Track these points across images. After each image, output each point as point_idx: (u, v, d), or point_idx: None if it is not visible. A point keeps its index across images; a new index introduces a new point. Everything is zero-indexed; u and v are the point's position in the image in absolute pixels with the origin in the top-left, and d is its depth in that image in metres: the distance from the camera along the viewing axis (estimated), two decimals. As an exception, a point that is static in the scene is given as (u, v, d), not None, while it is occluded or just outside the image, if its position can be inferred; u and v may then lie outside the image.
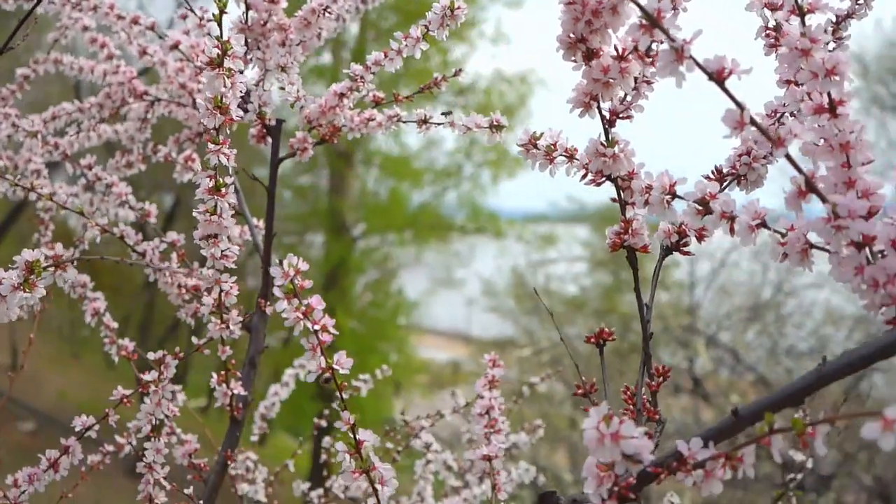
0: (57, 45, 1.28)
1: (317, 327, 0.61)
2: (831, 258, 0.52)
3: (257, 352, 0.99)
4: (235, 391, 0.95)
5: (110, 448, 1.12)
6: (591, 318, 8.25)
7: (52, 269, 0.66)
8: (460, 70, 0.98)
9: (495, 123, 0.82)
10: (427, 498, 1.25)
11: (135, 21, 1.09)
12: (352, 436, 0.63)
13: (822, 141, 0.54)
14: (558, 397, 7.56)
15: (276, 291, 0.60)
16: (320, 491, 1.36)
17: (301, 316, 0.60)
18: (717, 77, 0.50)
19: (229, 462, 0.97)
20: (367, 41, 10.31)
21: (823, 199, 0.50)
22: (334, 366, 0.62)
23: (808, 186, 0.50)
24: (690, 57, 0.49)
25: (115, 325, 1.08)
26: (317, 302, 0.61)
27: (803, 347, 6.97)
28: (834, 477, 5.60)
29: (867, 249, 0.50)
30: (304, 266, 0.60)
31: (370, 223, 11.24)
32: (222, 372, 0.95)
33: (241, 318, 0.90)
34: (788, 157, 0.50)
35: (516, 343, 8.76)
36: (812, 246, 0.54)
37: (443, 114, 0.91)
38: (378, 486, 0.63)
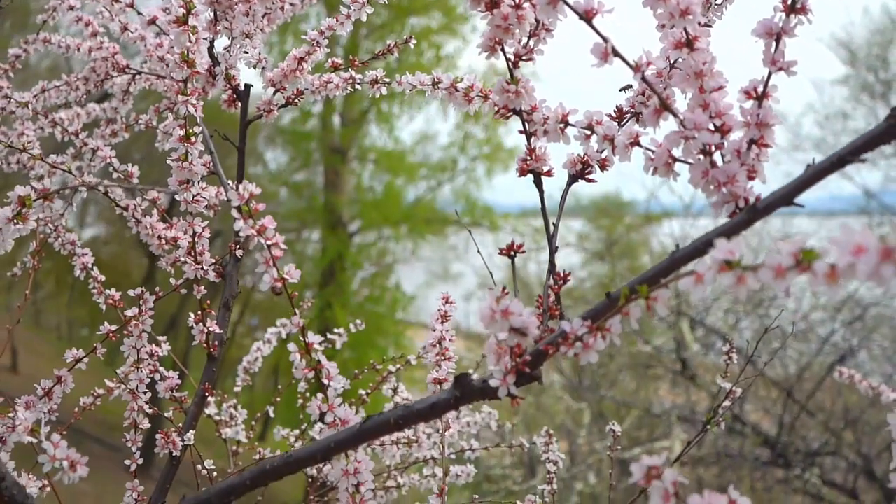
0: (45, 25, 1.38)
1: (269, 243, 0.71)
2: (690, 168, 0.63)
3: (231, 295, 1.09)
4: (211, 329, 1.06)
5: (100, 391, 1.22)
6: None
7: (40, 200, 0.76)
8: (411, 37, 1.08)
9: (436, 81, 0.92)
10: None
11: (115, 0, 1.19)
12: (302, 338, 0.74)
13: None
14: (555, 389, 7.68)
15: (240, 228, 0.71)
16: (296, 432, 1.46)
17: (255, 233, 0.71)
18: (587, 16, 0.60)
19: (207, 394, 1.07)
20: (360, 37, 10.40)
21: (676, 115, 0.61)
22: (285, 275, 0.72)
23: (663, 105, 0.61)
24: (563, 0, 0.60)
25: (102, 277, 1.18)
26: (269, 221, 0.72)
27: (790, 329, 7.09)
28: (819, 454, 5.72)
29: (711, 157, 0.61)
30: (257, 190, 0.71)
31: (366, 219, 11.33)
32: (199, 312, 1.05)
33: (213, 261, 1.01)
34: (644, 78, 0.60)
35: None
36: (675, 159, 0.64)
37: (388, 82, 1.00)
38: (326, 381, 0.73)
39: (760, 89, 0.62)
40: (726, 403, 1.13)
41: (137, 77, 1.28)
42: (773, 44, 0.62)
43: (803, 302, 7.58)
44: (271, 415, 1.51)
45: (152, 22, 1.14)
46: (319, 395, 0.74)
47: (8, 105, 1.25)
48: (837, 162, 0.55)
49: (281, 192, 10.99)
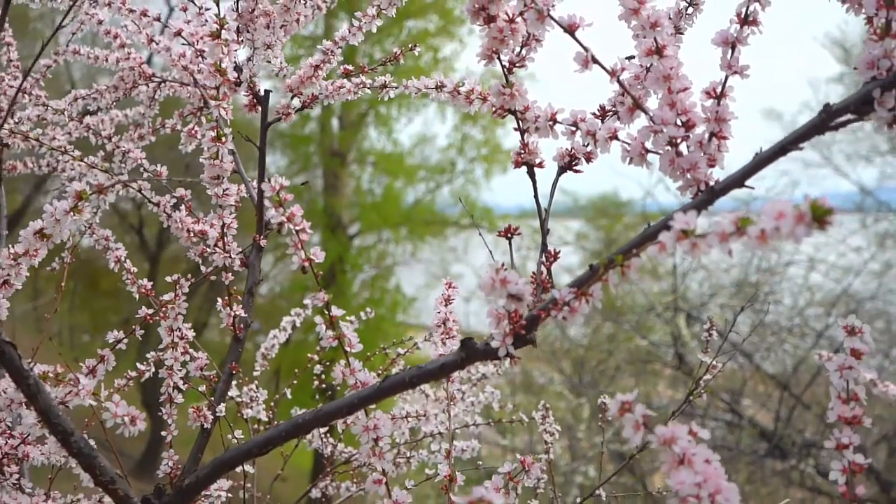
0: (74, 37, 1.48)
1: (297, 228, 0.82)
2: (660, 158, 0.74)
3: (254, 282, 1.20)
4: (237, 313, 1.16)
5: (133, 374, 1.33)
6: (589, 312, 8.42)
7: (95, 194, 0.87)
8: (415, 45, 1.19)
9: (440, 84, 1.03)
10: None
11: (143, 14, 1.30)
12: (326, 312, 0.84)
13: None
14: (554, 386, 7.78)
15: (271, 215, 0.81)
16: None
17: (286, 220, 0.81)
18: (570, 29, 0.71)
19: (234, 372, 1.18)
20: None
21: (646, 113, 0.71)
22: (311, 256, 0.83)
23: (635, 104, 0.72)
24: (549, 16, 0.70)
25: (134, 269, 1.29)
26: (297, 210, 0.82)
27: (786, 324, 7.20)
28: (815, 445, 5.82)
29: (677, 148, 0.71)
30: (286, 182, 0.81)
31: (365, 221, 11.44)
32: (226, 297, 1.16)
33: (240, 250, 1.11)
34: (619, 82, 0.71)
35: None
36: (647, 150, 0.75)
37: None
38: (347, 349, 0.84)
39: (719, 90, 0.72)
40: (707, 376, 1.23)
41: (162, 85, 1.39)
42: (730, 51, 0.72)
43: (799, 298, 7.69)
44: (289, 396, 1.62)
45: (178, 34, 1.24)
46: (342, 361, 0.84)
47: (44, 112, 1.35)
48: (780, 150, 0.65)
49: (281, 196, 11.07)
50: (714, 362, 1.27)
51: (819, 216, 0.48)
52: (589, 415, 6.58)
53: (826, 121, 0.65)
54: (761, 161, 0.66)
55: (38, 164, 1.57)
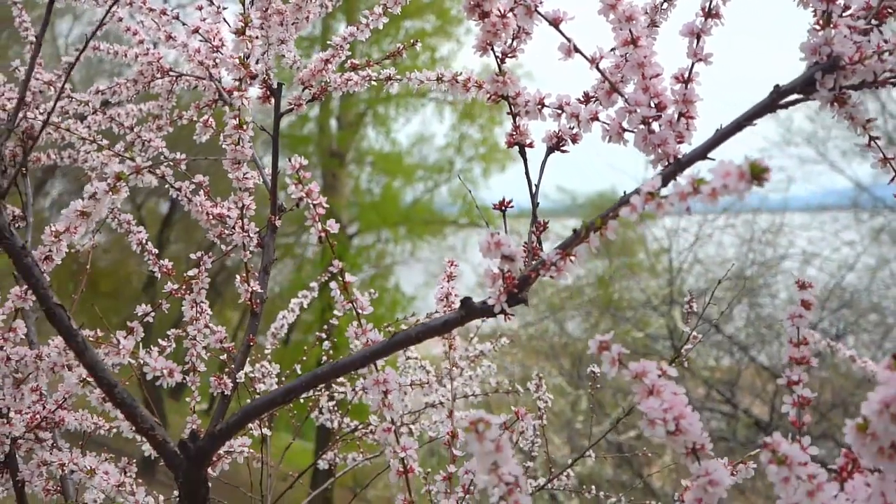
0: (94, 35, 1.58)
1: (315, 202, 0.92)
2: (635, 135, 0.84)
3: (269, 261, 1.30)
4: (254, 289, 1.26)
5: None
6: (588, 306, 8.56)
7: (133, 175, 0.96)
8: (416, 41, 1.29)
9: (440, 76, 1.12)
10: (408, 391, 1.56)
11: (163, 12, 1.39)
12: (341, 278, 0.94)
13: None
14: (557, 387, 7.89)
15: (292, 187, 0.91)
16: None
17: (305, 195, 0.91)
18: (554, 23, 0.81)
19: (251, 344, 1.28)
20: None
21: (622, 96, 0.81)
22: (327, 227, 0.92)
23: (612, 88, 0.82)
24: (536, 11, 0.80)
25: (156, 250, 1.39)
26: (314, 186, 0.92)
27: (781, 318, 7.31)
28: (809, 435, 5.91)
29: (650, 126, 0.81)
30: (305, 162, 0.91)
31: (364, 221, 11.53)
32: (244, 274, 1.25)
33: (258, 230, 1.21)
34: (598, 69, 0.81)
35: (514, 334, 9.02)
36: (623, 129, 0.85)
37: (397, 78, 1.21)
38: (360, 311, 0.94)
39: (686, 75, 0.82)
40: (688, 346, 1.33)
41: (179, 79, 1.49)
42: (695, 41, 0.82)
43: (794, 292, 7.81)
44: (299, 372, 1.71)
45: (196, 31, 1.34)
46: (354, 322, 0.94)
47: (69, 104, 1.45)
48: (736, 126, 0.75)
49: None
50: (695, 333, 1.36)
51: (756, 174, 0.58)
52: (587, 407, 6.68)
53: (776, 100, 0.75)
54: (721, 136, 0.76)
55: (60, 155, 1.67)
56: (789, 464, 0.61)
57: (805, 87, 0.74)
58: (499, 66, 0.90)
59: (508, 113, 0.93)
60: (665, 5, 0.98)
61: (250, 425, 1.66)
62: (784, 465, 0.61)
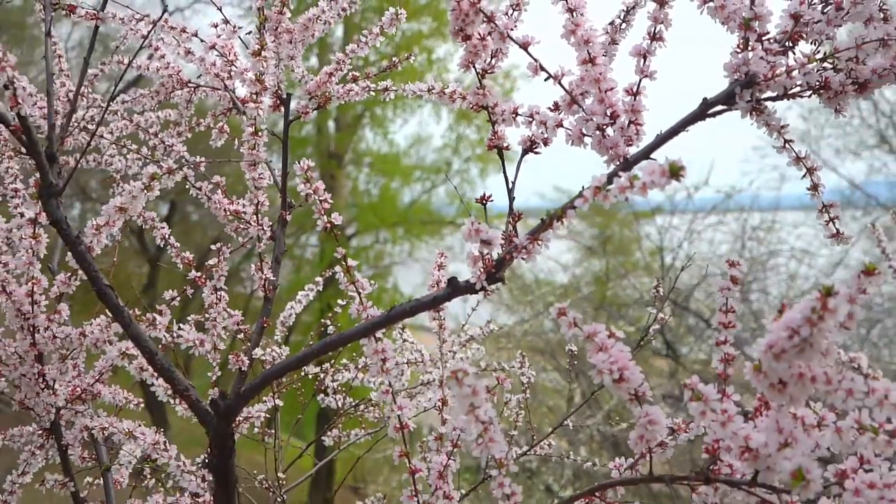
0: (117, 49, 1.74)
1: (321, 199, 1.07)
2: (592, 140, 1.00)
3: (280, 252, 1.46)
4: (267, 276, 1.42)
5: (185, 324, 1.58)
6: (584, 304, 8.71)
7: (165, 175, 1.12)
8: (411, 54, 1.45)
9: (430, 88, 1.28)
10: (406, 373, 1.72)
11: (183, 30, 1.55)
12: (344, 263, 1.10)
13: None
14: (556, 386, 8.05)
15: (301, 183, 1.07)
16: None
17: (312, 192, 1.07)
18: (523, 46, 0.97)
19: (265, 326, 1.43)
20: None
21: (580, 106, 0.97)
22: (332, 220, 1.08)
23: (572, 100, 0.98)
24: (509, 36, 0.96)
25: (178, 244, 1.54)
26: (321, 184, 1.08)
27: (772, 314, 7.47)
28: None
29: (604, 132, 0.97)
30: (312, 164, 1.07)
31: (362, 222, 11.68)
32: (258, 262, 1.41)
33: (271, 223, 1.37)
34: (560, 84, 0.97)
35: (513, 334, 9.13)
36: (583, 134, 1.01)
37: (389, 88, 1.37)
38: (360, 291, 1.10)
39: (635, 89, 0.98)
40: (655, 327, 1.49)
41: (197, 90, 1.64)
42: (642, 60, 0.98)
43: (784, 287, 7.99)
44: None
45: (212, 47, 1.50)
46: (357, 300, 1.10)
47: (98, 113, 1.61)
48: (671, 133, 0.91)
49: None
50: (662, 314, 1.52)
51: (674, 172, 0.74)
52: (580, 398, 6.83)
53: (704, 109, 0.91)
54: (660, 140, 0.92)
55: (86, 159, 1.83)
56: (705, 400, 0.77)
57: (727, 99, 0.90)
58: (479, 81, 1.06)
59: (487, 121, 1.09)
60: (623, 25, 1.14)
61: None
62: (701, 401, 0.77)
